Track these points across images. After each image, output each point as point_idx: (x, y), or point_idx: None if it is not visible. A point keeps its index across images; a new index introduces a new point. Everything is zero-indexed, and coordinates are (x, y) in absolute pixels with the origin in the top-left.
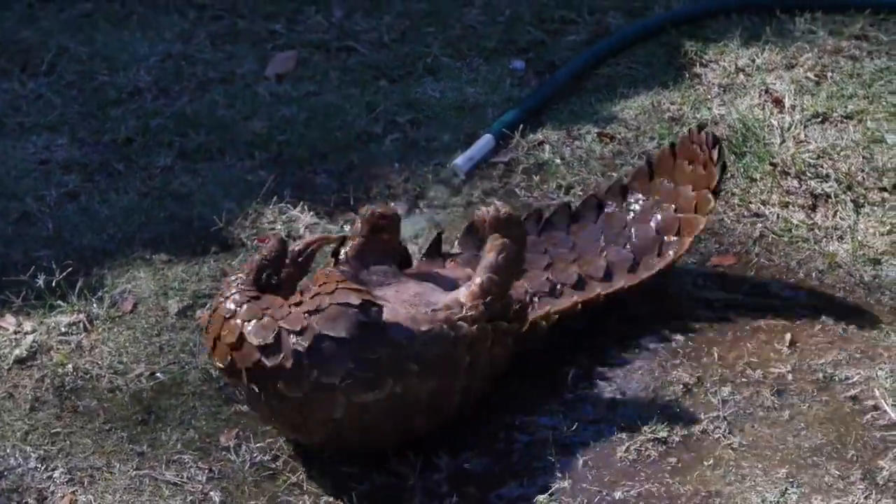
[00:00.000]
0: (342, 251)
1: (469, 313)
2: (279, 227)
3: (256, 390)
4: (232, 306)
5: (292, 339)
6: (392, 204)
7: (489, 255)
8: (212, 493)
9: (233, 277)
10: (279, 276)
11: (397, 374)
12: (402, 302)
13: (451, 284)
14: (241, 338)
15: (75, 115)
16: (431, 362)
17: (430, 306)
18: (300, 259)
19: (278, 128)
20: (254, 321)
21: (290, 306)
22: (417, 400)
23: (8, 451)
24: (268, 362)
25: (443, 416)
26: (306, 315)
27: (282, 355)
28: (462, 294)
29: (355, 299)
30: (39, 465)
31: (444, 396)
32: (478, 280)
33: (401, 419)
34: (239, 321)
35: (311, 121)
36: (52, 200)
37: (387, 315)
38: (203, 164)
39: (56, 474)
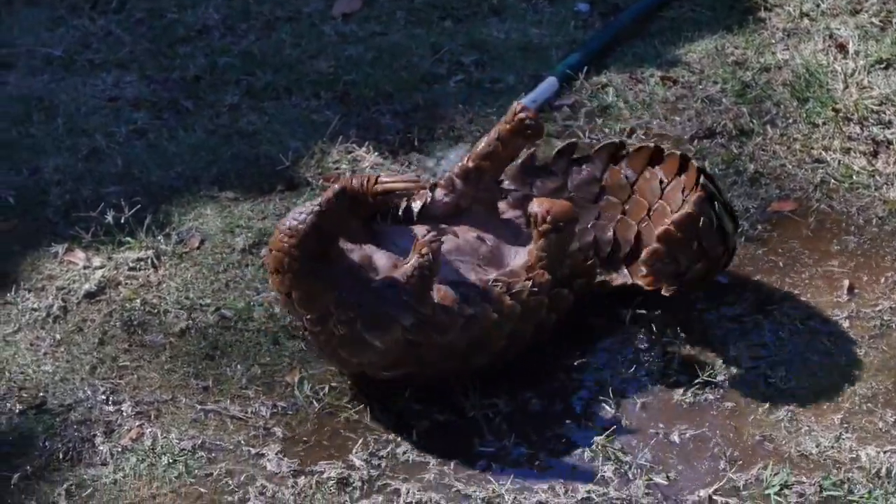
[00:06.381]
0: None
1: (527, 287)
2: (344, 166)
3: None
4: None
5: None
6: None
7: (539, 241)
8: (275, 428)
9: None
10: (339, 226)
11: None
12: (465, 255)
13: (510, 233)
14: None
15: (144, 53)
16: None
17: (489, 265)
18: (377, 198)
19: (344, 68)
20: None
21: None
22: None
23: (77, 384)
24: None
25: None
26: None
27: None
28: (518, 265)
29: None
30: (107, 399)
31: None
32: (534, 253)
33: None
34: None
35: (377, 61)
36: (121, 137)
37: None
38: (269, 103)
39: (124, 407)
